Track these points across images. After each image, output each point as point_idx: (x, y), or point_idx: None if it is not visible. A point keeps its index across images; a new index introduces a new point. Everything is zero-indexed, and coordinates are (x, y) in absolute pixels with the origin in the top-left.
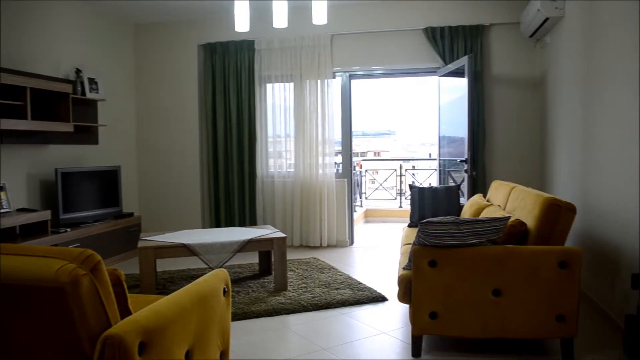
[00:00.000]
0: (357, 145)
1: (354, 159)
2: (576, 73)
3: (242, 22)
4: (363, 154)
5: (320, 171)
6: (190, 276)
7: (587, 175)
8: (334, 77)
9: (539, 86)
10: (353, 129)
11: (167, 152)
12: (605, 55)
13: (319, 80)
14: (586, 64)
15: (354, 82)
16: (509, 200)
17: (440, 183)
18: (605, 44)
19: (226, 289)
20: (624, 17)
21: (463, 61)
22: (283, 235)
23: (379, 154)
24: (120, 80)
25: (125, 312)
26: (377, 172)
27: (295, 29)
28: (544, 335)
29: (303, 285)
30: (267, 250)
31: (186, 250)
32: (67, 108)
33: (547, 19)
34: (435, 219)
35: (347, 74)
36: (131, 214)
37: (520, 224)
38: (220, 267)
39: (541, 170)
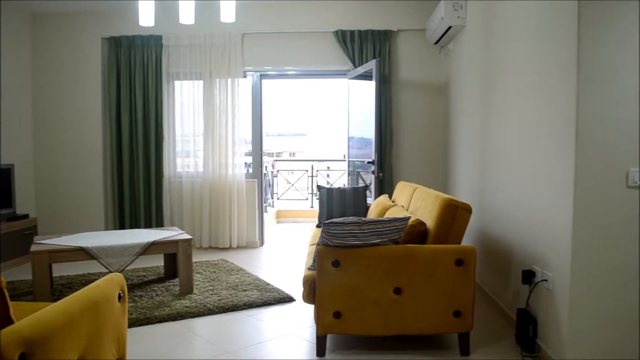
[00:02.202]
0: (273, 145)
1: (269, 159)
2: (476, 79)
3: (146, 16)
4: (278, 154)
5: (230, 171)
6: (90, 281)
7: (484, 176)
8: (244, 77)
9: (443, 91)
10: (269, 130)
11: (67, 150)
12: (501, 62)
13: (229, 79)
14: (485, 71)
15: (267, 82)
16: (412, 201)
17: (350, 184)
18: (501, 53)
19: (122, 294)
20: (519, 27)
21: (371, 65)
22: (188, 237)
23: (294, 154)
24: (15, 73)
25: (6, 321)
26: (292, 173)
27: (205, 26)
28: (442, 331)
29: (210, 287)
30: (172, 253)
31: (84, 253)
32: None
33: (450, 27)
34: (338, 220)
35: (258, 74)
36: (26, 216)
37: (420, 223)
38: (122, 271)
39: (445, 172)
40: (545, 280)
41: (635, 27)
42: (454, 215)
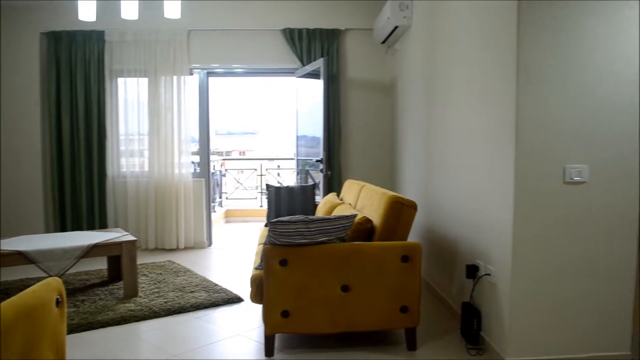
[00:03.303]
0: (223, 144)
1: (217, 158)
2: (421, 79)
3: (87, 11)
4: (228, 153)
5: (177, 171)
6: (28, 286)
7: (429, 174)
8: (191, 74)
9: (390, 90)
10: (218, 128)
11: (4, 149)
12: (445, 63)
13: (175, 77)
14: (429, 71)
15: (215, 80)
16: (359, 199)
17: (300, 182)
18: (445, 54)
19: (60, 299)
20: (462, 29)
21: (319, 63)
22: (133, 238)
23: (244, 153)
24: None
25: None
26: (242, 172)
27: (149, 22)
28: (390, 326)
29: (156, 290)
30: (116, 255)
31: (22, 258)
32: None
33: (396, 27)
34: (285, 218)
35: (205, 71)
36: None
37: (366, 221)
38: (62, 275)
39: (392, 170)
40: (488, 274)
41: (573, 31)
42: (400, 212)
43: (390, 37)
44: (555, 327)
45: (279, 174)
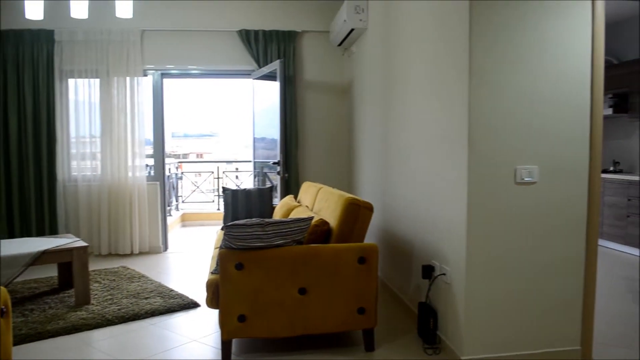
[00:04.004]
0: (179, 147)
1: (174, 160)
2: (377, 82)
3: (34, 9)
4: (185, 155)
5: (130, 174)
6: None
7: (386, 175)
8: (145, 75)
9: (347, 92)
10: (175, 130)
11: None
12: (401, 66)
13: (128, 78)
14: (385, 74)
15: (170, 81)
16: (316, 201)
17: (257, 185)
18: (401, 57)
19: (5, 309)
20: (417, 32)
21: (275, 65)
22: (84, 244)
23: (201, 155)
24: None
25: None
26: (199, 175)
27: (101, 21)
28: (347, 328)
29: (109, 297)
30: (67, 262)
31: None
32: None
33: (352, 29)
34: (240, 222)
35: (160, 72)
36: None
37: (323, 223)
38: (9, 283)
39: (350, 171)
40: (444, 274)
41: (525, 33)
42: (357, 214)
43: (347, 40)
44: (509, 324)
45: (237, 177)
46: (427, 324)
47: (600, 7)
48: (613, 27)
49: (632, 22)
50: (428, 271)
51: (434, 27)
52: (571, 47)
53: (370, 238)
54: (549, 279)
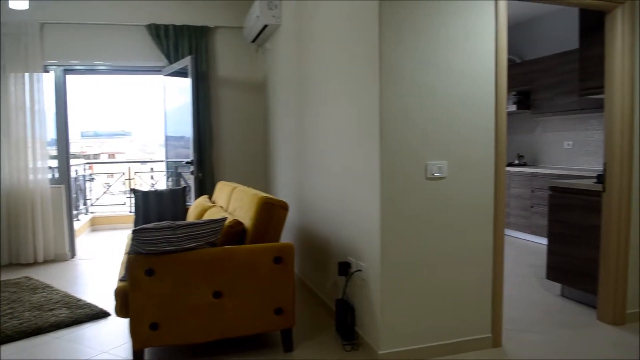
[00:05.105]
0: (90, 147)
1: (83, 161)
2: (291, 78)
3: None
4: (96, 156)
5: (32, 177)
6: None
7: (302, 173)
8: (46, 71)
9: (261, 89)
10: (84, 129)
11: None
12: (315, 62)
13: (27, 74)
14: (299, 70)
15: (75, 78)
16: (231, 201)
17: (171, 185)
18: (314, 53)
19: None
20: (330, 28)
21: (186, 61)
22: None
23: (114, 156)
24: None
25: None
26: (112, 176)
27: None
28: (265, 329)
29: (9, 310)
30: None
31: None
32: None
33: (266, 25)
34: (149, 225)
35: (62, 68)
36: None
37: (237, 223)
38: None
39: (266, 170)
40: (360, 270)
41: (432, 31)
42: (271, 213)
43: (261, 36)
44: (423, 316)
45: (152, 177)
46: (345, 320)
47: (503, 7)
48: (516, 28)
49: (534, 23)
50: (344, 268)
51: (346, 25)
52: (477, 46)
53: (287, 237)
54: (460, 270)
